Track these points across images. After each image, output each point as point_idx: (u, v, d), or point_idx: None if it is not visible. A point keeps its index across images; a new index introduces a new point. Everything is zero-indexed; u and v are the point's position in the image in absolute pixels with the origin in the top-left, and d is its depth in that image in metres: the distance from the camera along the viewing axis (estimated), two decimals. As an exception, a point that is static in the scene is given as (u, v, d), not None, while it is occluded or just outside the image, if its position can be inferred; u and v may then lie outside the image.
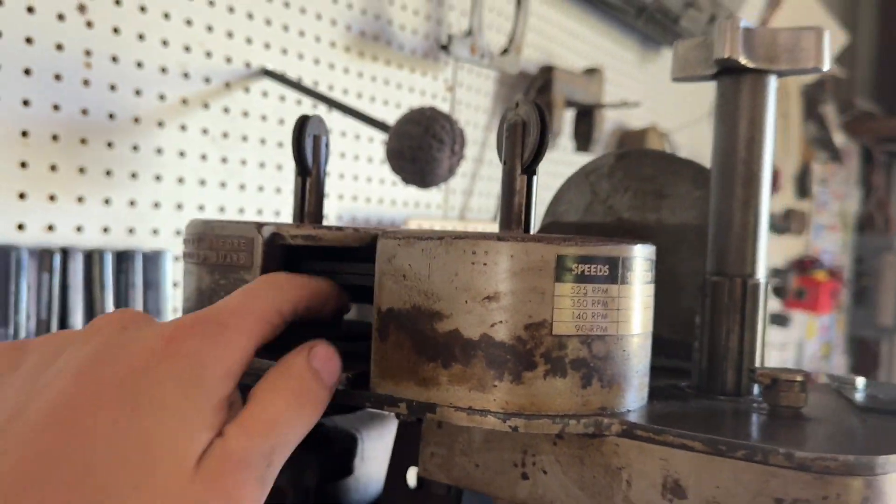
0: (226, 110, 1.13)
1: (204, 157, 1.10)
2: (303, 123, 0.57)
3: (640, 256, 0.45)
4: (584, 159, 2.06)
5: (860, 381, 0.55)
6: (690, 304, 0.59)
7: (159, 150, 1.05)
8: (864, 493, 0.37)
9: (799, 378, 0.46)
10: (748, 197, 0.52)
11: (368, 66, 1.36)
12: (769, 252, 0.53)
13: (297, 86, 1.17)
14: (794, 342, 3.65)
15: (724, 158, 0.53)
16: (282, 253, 0.51)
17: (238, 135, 1.15)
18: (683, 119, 2.40)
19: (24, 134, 0.91)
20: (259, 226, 0.50)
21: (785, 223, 3.13)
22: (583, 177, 0.66)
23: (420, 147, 1.00)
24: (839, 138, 3.53)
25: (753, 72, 0.51)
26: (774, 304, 3.31)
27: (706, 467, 0.40)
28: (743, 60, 0.50)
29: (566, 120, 1.79)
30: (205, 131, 1.10)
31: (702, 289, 0.53)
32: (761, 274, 0.52)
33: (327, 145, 0.59)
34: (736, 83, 0.52)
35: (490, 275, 0.42)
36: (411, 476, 0.53)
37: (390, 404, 0.45)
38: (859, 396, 0.52)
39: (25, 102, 0.90)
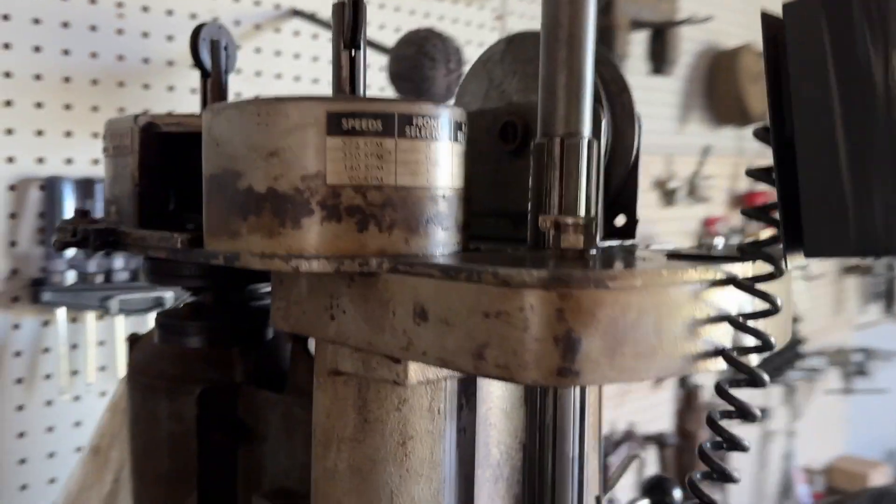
0: (258, 50, 1.23)
1: (238, 94, 1.21)
2: (197, 30, 0.64)
3: (428, 115, 0.49)
4: (665, 83, 2.00)
5: (719, 240, 0.55)
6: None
7: (193, 90, 1.16)
8: (557, 305, 0.40)
9: (578, 221, 0.48)
10: (570, 59, 0.53)
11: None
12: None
13: (327, 24, 1.25)
14: None
15: (549, 22, 0.54)
16: (158, 140, 0.59)
17: (271, 73, 1.25)
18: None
19: (67, 80, 1.05)
20: (136, 117, 0.58)
21: None
22: (480, 65, 0.69)
23: (414, 67, 1.04)
24: None
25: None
26: None
27: (441, 291, 0.44)
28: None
29: (636, 41, 1.75)
30: (238, 71, 1.21)
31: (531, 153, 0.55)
32: (586, 133, 0.53)
33: (227, 48, 0.66)
34: (554, -53, 0.53)
35: (271, 133, 0.47)
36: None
37: (213, 258, 0.51)
38: (714, 251, 0.53)
39: (66, 52, 1.04)
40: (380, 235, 0.48)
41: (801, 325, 2.47)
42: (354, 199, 0.47)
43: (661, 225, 2.07)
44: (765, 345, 0.44)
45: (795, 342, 2.42)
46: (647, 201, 2.02)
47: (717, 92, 2.16)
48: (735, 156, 2.29)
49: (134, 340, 0.79)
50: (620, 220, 0.65)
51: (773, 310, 0.44)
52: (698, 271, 0.43)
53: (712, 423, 0.45)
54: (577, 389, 0.54)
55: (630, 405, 2.04)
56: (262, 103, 0.48)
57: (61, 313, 1.07)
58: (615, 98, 0.64)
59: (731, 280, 0.44)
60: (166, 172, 0.60)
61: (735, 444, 0.45)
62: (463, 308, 0.42)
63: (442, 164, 0.50)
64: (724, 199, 2.27)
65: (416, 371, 0.48)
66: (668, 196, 2.03)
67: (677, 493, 0.83)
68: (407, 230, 0.48)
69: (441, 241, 0.50)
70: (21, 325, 1.08)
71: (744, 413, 0.45)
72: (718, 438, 0.46)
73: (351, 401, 0.52)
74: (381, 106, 0.47)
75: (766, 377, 0.44)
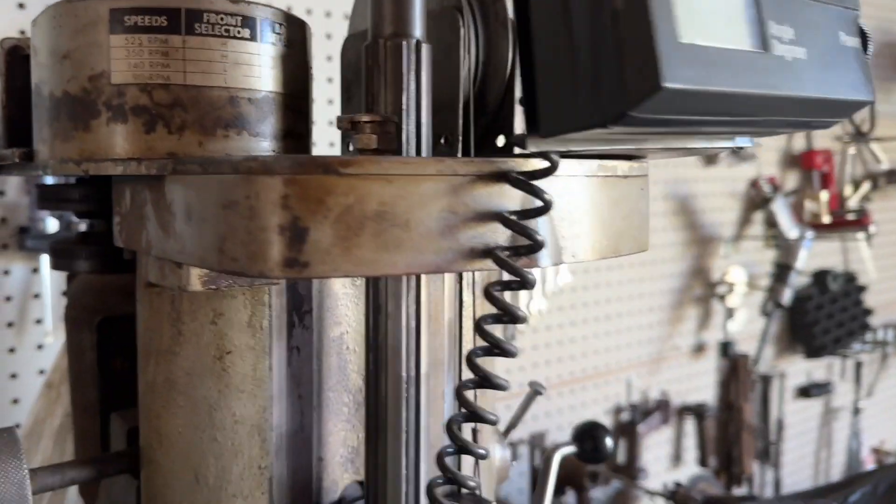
0: None
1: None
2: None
3: (223, 12, 0.47)
4: None
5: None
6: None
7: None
8: (282, 191, 0.37)
9: (374, 119, 0.45)
10: (396, -45, 0.50)
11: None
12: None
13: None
14: None
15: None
16: (25, 63, 0.59)
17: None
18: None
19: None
20: (2, 40, 0.59)
21: None
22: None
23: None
24: None
25: None
26: None
27: (201, 188, 0.42)
28: None
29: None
30: None
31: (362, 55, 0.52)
32: (416, 35, 0.50)
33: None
34: None
35: (63, 35, 0.47)
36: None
37: (34, 170, 0.51)
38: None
39: None
40: (169, 137, 0.46)
41: (869, 295, 2.30)
42: (140, 99, 0.46)
43: (702, 185, 1.97)
44: (535, 245, 0.40)
45: (863, 312, 2.25)
46: (685, 160, 1.93)
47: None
48: (792, 113, 2.15)
49: (71, 277, 0.81)
50: (500, 141, 0.61)
51: (545, 207, 0.40)
52: (457, 163, 0.40)
53: (471, 363, 0.42)
54: (412, 307, 0.51)
55: (667, 374, 1.97)
56: (59, 6, 0.47)
57: (45, 259, 1.11)
58: (488, 7, 0.60)
59: (501, 175, 0.40)
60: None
61: (491, 382, 0.41)
62: (211, 202, 0.41)
63: (245, 64, 0.48)
64: (777, 159, 2.14)
65: (198, 276, 0.46)
66: (709, 155, 1.92)
67: (609, 441, 0.78)
68: (201, 133, 0.47)
69: (247, 147, 0.48)
70: (11, 271, 1.12)
71: (512, 316, 0.41)
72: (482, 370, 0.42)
73: (166, 313, 0.51)
74: (165, 1, 0.46)
75: (535, 278, 0.40)
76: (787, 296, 1.89)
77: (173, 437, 0.52)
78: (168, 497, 0.52)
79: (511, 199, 0.41)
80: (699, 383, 2.04)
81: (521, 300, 1.61)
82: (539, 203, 0.40)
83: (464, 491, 0.45)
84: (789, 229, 1.93)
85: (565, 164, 0.44)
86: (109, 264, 0.67)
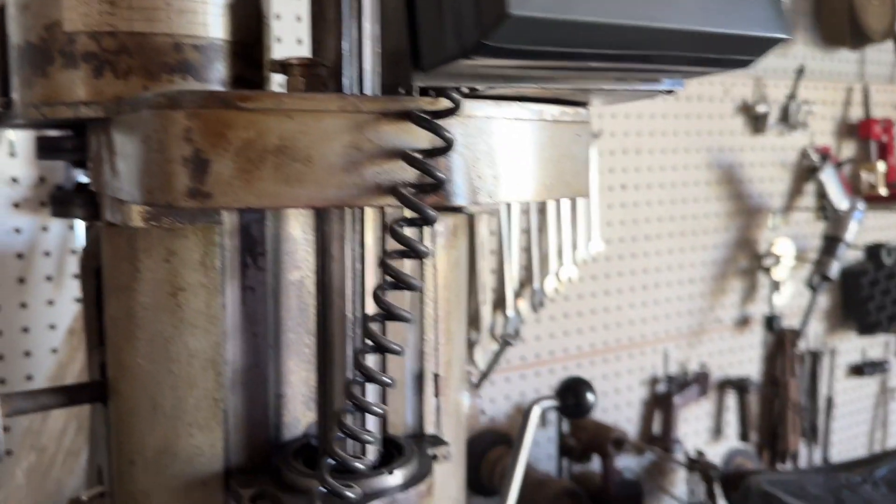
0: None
1: None
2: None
3: (167, -39, 0.49)
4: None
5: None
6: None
7: None
8: (185, 125, 0.39)
9: (301, 62, 0.46)
10: None
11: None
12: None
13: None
14: None
15: None
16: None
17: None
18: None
19: None
20: (-10, -4, 0.63)
21: None
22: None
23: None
24: None
25: None
26: None
27: (128, 126, 0.44)
28: None
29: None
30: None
31: None
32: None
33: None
34: None
35: (24, -13, 0.50)
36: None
37: (11, 119, 0.55)
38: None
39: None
40: (116, 82, 0.49)
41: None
42: (89, 46, 0.49)
43: (749, 154, 1.91)
44: (438, 182, 0.41)
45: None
46: (730, 127, 1.88)
47: (825, 7, 1.95)
48: (848, 80, 2.07)
49: (89, 230, 0.86)
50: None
51: (447, 146, 0.41)
52: (361, 100, 0.41)
53: (377, 298, 0.43)
54: (357, 250, 0.53)
55: (708, 347, 1.93)
56: (19, -41, 0.50)
57: (79, 217, 1.17)
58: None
59: (405, 113, 0.41)
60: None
61: (393, 315, 0.43)
62: (136, 139, 0.43)
63: (190, 12, 0.50)
64: (832, 129, 2.05)
65: (138, 212, 0.49)
66: (756, 122, 1.87)
67: (590, 397, 0.79)
68: (146, 78, 0.49)
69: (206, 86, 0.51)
70: (49, 227, 1.19)
71: (416, 252, 0.42)
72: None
73: (124, 251, 0.54)
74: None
75: (436, 215, 0.41)
76: (834, 269, 1.83)
77: (133, 368, 0.55)
78: (131, 425, 0.56)
79: (420, 138, 0.43)
80: (743, 357, 2.00)
81: (551, 267, 1.61)
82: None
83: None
84: (839, 200, 1.86)
85: (484, 106, 0.45)
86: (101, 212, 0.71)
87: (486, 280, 1.53)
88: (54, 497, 1.00)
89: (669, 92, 0.48)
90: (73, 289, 1.21)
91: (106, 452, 0.61)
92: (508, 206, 1.54)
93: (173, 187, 0.40)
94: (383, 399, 0.53)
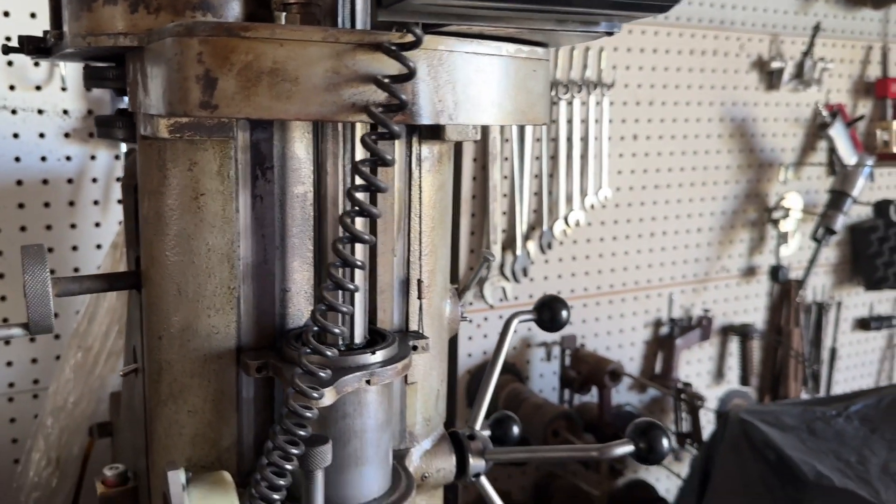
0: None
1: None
2: None
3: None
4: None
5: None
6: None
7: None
8: (197, 50, 0.49)
9: (299, 1, 0.56)
10: None
11: None
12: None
13: None
14: None
15: None
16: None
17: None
18: None
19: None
20: (45, -58, 0.73)
21: None
22: None
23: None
24: None
25: None
26: None
27: (155, 53, 0.55)
28: None
29: None
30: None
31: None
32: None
33: None
34: None
35: (73, -65, 0.60)
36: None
37: (64, 48, 0.66)
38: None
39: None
40: (148, 17, 0.59)
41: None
42: (127, -15, 0.59)
43: (763, 109, 1.96)
44: (402, 103, 0.51)
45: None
46: (745, 82, 1.93)
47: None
48: (870, 39, 2.09)
49: (128, 154, 0.98)
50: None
51: (410, 74, 0.51)
52: (341, 32, 0.51)
53: (350, 196, 0.53)
54: (347, 166, 0.63)
55: (714, 294, 2.01)
56: (70, -89, 0.60)
57: (123, 147, 1.29)
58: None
59: (377, 45, 0.51)
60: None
61: (364, 211, 0.53)
62: (162, 62, 0.54)
63: (205, -40, 0.60)
64: (849, 87, 2.09)
65: (164, 125, 0.60)
66: (771, 78, 1.92)
67: (564, 314, 0.89)
68: (173, 14, 0.59)
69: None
70: (97, 156, 1.31)
71: (382, 159, 0.52)
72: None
73: (154, 161, 0.65)
74: None
75: (400, 130, 0.51)
76: (839, 222, 1.89)
77: (162, 260, 0.66)
78: (160, 307, 0.67)
79: (389, 66, 0.52)
80: (748, 306, 2.07)
81: (560, 211, 1.70)
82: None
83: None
84: (848, 156, 1.90)
85: (447, 41, 0.55)
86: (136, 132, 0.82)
87: (498, 221, 1.63)
88: (98, 392, 1.14)
89: (609, 34, 0.56)
90: (118, 213, 1.34)
91: (139, 332, 0.73)
92: (521, 153, 1.63)
93: (189, 100, 0.50)
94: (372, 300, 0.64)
